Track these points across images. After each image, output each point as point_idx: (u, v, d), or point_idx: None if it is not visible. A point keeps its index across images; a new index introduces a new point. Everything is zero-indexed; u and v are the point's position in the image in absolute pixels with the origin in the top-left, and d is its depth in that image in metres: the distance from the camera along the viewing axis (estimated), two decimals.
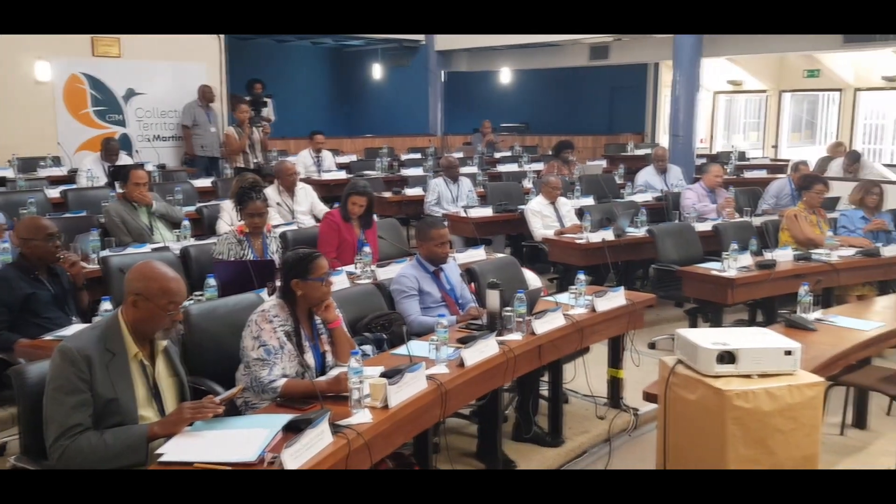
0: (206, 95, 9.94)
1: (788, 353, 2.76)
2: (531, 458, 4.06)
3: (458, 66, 15.15)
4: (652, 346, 5.78)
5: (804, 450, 2.73)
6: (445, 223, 5.37)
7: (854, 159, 9.39)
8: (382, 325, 3.82)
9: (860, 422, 4.59)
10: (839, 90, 13.55)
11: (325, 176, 9.17)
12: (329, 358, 3.27)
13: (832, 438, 4.40)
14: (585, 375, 4.80)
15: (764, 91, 14.61)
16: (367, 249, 4.85)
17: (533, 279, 4.99)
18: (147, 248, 5.18)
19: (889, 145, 13.52)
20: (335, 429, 2.59)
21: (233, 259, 4.76)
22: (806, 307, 4.34)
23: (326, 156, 9.87)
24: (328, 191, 8.29)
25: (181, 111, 10.06)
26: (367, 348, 3.52)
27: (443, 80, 14.83)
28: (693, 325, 5.78)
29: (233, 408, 2.93)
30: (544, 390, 4.42)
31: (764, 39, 11.08)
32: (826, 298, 5.74)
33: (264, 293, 3.92)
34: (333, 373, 3.13)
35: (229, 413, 2.74)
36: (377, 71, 15.76)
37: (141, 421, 2.60)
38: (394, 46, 15.16)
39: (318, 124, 11.25)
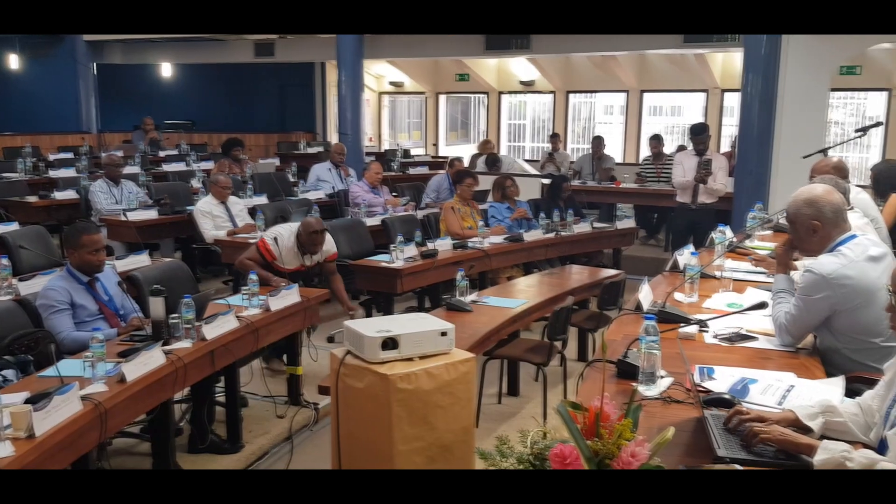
0: None
1: (444, 333, 2.99)
2: (210, 469, 3.91)
3: (112, 59, 13.98)
4: (331, 339, 5.90)
5: (462, 421, 2.98)
6: (100, 227, 4.95)
7: (491, 164, 10.33)
8: (27, 346, 3.40)
9: (513, 389, 5.15)
10: (486, 93, 15.03)
11: None
12: None
13: (491, 407, 4.88)
14: (263, 376, 4.76)
15: (423, 93, 15.68)
16: (4, 262, 4.28)
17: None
18: None
19: (529, 142, 15.32)
20: None
21: None
22: (463, 291, 4.74)
23: None
24: None
25: None
26: (9, 373, 3.16)
27: (94, 72, 13.61)
28: (368, 315, 6.01)
29: None
30: (221, 396, 4.29)
31: (419, 45, 11.91)
32: (482, 281, 6.34)
33: None
34: None
35: None
36: (14, 61, 13.92)
37: None
38: (33, 35, 13.52)
39: None
